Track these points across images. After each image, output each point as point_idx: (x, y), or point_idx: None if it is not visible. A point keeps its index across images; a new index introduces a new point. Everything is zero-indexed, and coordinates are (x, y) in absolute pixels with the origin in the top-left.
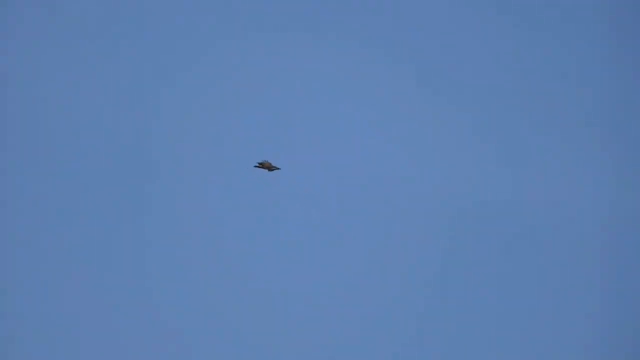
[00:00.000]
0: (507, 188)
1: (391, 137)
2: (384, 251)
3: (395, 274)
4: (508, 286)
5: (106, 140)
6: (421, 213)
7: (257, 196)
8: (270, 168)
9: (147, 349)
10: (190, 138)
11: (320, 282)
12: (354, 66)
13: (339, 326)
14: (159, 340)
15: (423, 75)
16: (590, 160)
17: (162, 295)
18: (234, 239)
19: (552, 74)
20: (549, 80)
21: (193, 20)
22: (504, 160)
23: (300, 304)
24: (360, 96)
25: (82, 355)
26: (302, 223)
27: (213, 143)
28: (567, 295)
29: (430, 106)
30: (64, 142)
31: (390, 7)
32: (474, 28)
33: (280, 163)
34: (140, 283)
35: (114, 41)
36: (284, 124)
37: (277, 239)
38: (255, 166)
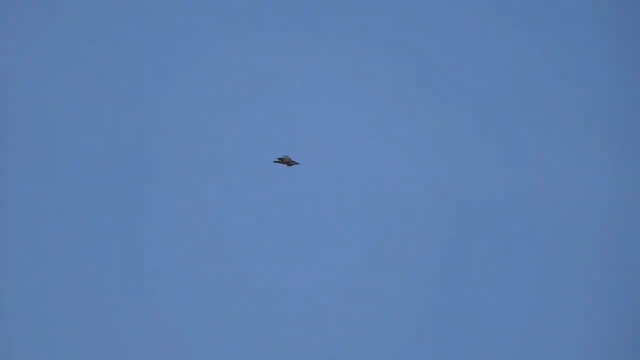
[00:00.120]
0: (506, 186)
1: (390, 135)
2: (383, 249)
3: (395, 271)
4: (508, 284)
5: (106, 140)
6: (421, 211)
7: (257, 195)
8: (290, 163)
9: (148, 348)
10: (189, 138)
11: (320, 280)
12: (353, 66)
13: (339, 323)
14: (159, 339)
15: (422, 74)
16: (589, 158)
17: (163, 295)
18: (234, 239)
19: (551, 73)
20: (547, 79)
21: (193, 20)
22: (503, 158)
23: (301, 301)
24: (360, 95)
25: (83, 355)
26: (302, 221)
27: (213, 143)
28: (566, 292)
29: (429, 105)
30: (63, 143)
31: (390, 7)
32: (472, 26)
33: (278, 165)
34: (141, 283)
35: (115, 41)
36: (284, 123)
37: (277, 238)
38: (275, 162)
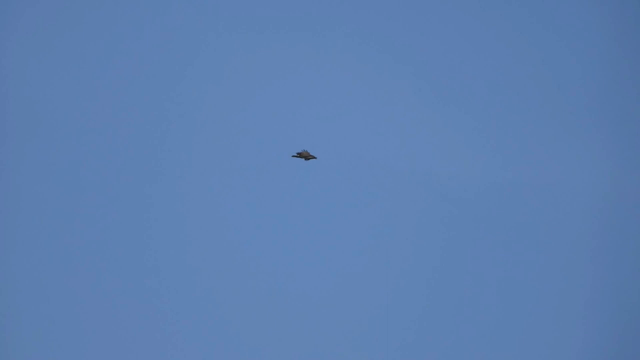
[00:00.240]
0: (504, 181)
1: (387, 131)
2: (381, 244)
3: (394, 268)
4: (506, 278)
5: (106, 140)
6: (419, 206)
7: (256, 195)
8: (307, 157)
9: (148, 348)
10: (189, 138)
11: (320, 278)
12: (352, 64)
13: (340, 321)
14: (159, 339)
15: (420, 72)
16: (586, 151)
17: (166, 295)
18: (233, 239)
19: (548, 67)
20: (544, 74)
21: (194, 20)
22: (501, 153)
23: (301, 300)
24: (358, 91)
25: (83, 355)
26: (301, 220)
27: (213, 142)
28: (564, 287)
29: (427, 102)
30: (64, 143)
31: (389, 6)
32: (470, 24)
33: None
34: (145, 283)
35: (116, 41)
36: (284, 123)
37: (277, 237)
38: (294, 156)
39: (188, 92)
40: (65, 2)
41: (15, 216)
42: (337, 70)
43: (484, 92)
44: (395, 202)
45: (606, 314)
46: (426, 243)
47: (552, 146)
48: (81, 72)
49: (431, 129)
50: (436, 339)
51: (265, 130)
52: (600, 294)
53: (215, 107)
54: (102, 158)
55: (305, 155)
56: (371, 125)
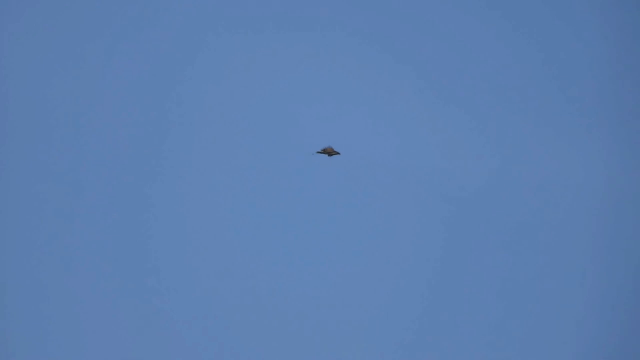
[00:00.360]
0: (503, 179)
1: (387, 130)
2: (380, 242)
3: (394, 264)
4: (505, 274)
5: (106, 140)
6: (419, 204)
7: (254, 195)
8: (331, 153)
9: (148, 348)
10: (189, 138)
11: (321, 276)
12: (351, 63)
13: (341, 319)
14: (160, 339)
15: (419, 71)
16: (582, 148)
17: (167, 295)
18: (233, 239)
19: (545, 62)
20: (538, 68)
21: (194, 21)
22: (499, 152)
23: (302, 299)
24: (357, 91)
25: (84, 355)
26: (302, 218)
27: (212, 143)
28: (562, 282)
29: (426, 100)
30: (64, 143)
31: (388, 6)
32: (466, 20)
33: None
34: (148, 283)
35: (116, 42)
36: (284, 123)
37: (277, 237)
38: (318, 152)
39: (188, 92)
40: (65, 2)
41: (16, 216)
42: (337, 70)
43: (485, 92)
44: (396, 201)
45: (606, 313)
46: (427, 241)
47: (552, 144)
48: (81, 72)
49: (432, 127)
50: (437, 337)
51: (265, 130)
52: (600, 293)
53: (216, 107)
54: (101, 158)
55: (329, 151)
56: (371, 125)
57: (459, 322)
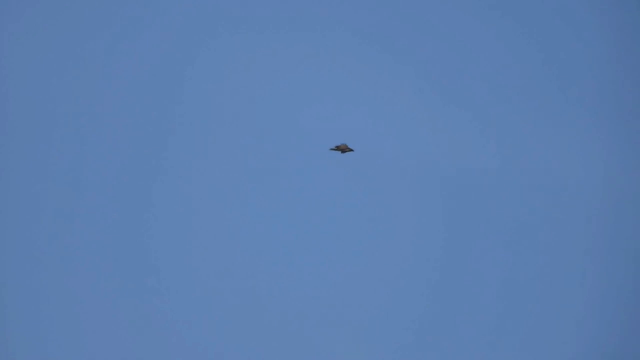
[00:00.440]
0: (503, 172)
1: (386, 127)
2: (380, 237)
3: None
4: (508, 274)
5: (106, 140)
6: (418, 200)
7: (255, 194)
8: (344, 150)
9: (149, 348)
10: (189, 138)
11: (320, 277)
12: (348, 61)
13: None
14: (160, 339)
15: (417, 68)
16: (581, 142)
17: (164, 295)
18: (234, 239)
19: (541, 62)
20: (538, 68)
21: (195, 21)
22: (499, 146)
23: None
24: (354, 89)
25: (84, 355)
26: (301, 217)
27: (212, 143)
28: (565, 282)
29: (424, 97)
30: (64, 143)
31: (388, 6)
32: (465, 19)
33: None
34: (150, 283)
35: (116, 42)
36: (284, 123)
37: (277, 237)
38: (332, 149)
39: (188, 92)
40: (65, 2)
41: (16, 216)
42: (337, 70)
43: (485, 92)
44: (396, 200)
45: (606, 313)
46: (427, 240)
47: (552, 144)
48: (81, 72)
49: (432, 127)
50: (437, 336)
51: (265, 130)
52: (600, 293)
53: (215, 107)
54: (101, 158)
55: (342, 148)
56: (372, 124)
57: (459, 322)
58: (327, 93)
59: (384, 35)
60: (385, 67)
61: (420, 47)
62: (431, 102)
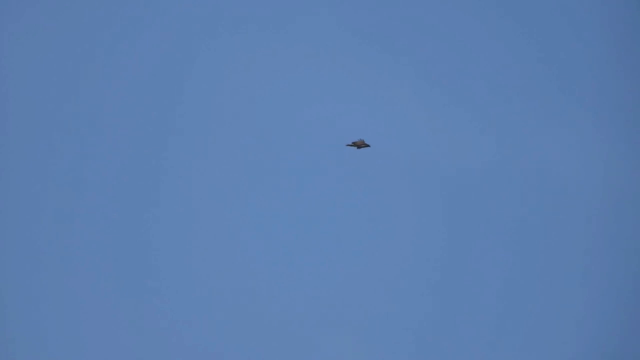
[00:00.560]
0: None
1: (387, 126)
2: (380, 237)
3: (393, 261)
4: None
5: (107, 140)
6: (418, 200)
7: (255, 193)
8: (360, 146)
9: (149, 348)
10: (188, 138)
11: (320, 276)
12: (348, 61)
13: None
14: (160, 339)
15: (417, 67)
16: (579, 129)
17: (164, 295)
18: (234, 239)
19: (542, 61)
20: (538, 67)
21: (195, 21)
22: (499, 143)
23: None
24: (354, 88)
25: (84, 355)
26: (301, 218)
27: (212, 142)
28: (565, 280)
29: (424, 97)
30: (65, 143)
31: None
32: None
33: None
34: (143, 283)
35: (118, 42)
36: (284, 123)
37: (276, 232)
38: (348, 145)
39: (188, 92)
40: (65, 2)
41: (16, 216)
42: (337, 70)
43: (486, 91)
44: (396, 200)
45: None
46: (427, 239)
47: (553, 143)
48: (81, 72)
49: (433, 126)
50: (437, 336)
51: (265, 130)
52: (600, 293)
53: (215, 107)
54: (101, 158)
55: (359, 144)
56: (372, 123)
57: (459, 322)
58: (327, 93)
59: (384, 35)
60: (385, 67)
61: (420, 47)
62: (431, 101)
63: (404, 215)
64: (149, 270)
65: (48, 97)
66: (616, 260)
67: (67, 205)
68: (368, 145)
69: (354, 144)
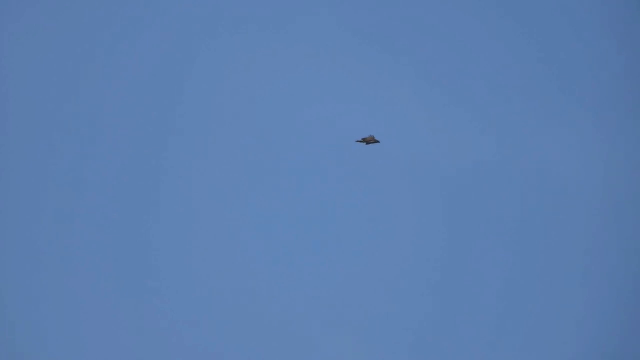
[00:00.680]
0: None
1: (387, 126)
2: (380, 236)
3: (393, 261)
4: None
5: (107, 140)
6: (418, 199)
7: (254, 193)
8: (369, 142)
9: (149, 348)
10: (188, 138)
11: (319, 276)
12: (348, 61)
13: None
14: (160, 339)
15: (417, 67)
16: (579, 129)
17: (164, 295)
18: (234, 239)
19: (542, 61)
20: (539, 67)
21: (195, 21)
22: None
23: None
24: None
25: (84, 355)
26: (301, 218)
27: (213, 142)
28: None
29: (424, 97)
30: (65, 143)
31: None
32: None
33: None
34: (143, 283)
35: (118, 42)
36: (284, 123)
37: (276, 233)
38: (358, 141)
39: (188, 92)
40: (65, 2)
41: (16, 216)
42: (337, 70)
43: (486, 91)
44: (396, 199)
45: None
46: (427, 239)
47: (553, 143)
48: (81, 72)
49: (433, 126)
50: (437, 336)
51: (265, 130)
52: (600, 293)
53: (215, 107)
54: (102, 158)
55: (368, 140)
56: (372, 123)
57: (459, 322)
58: (327, 93)
59: (384, 35)
60: (385, 67)
61: (420, 47)
62: (431, 101)
63: (404, 215)
64: (149, 270)
65: (48, 97)
66: (616, 260)
67: (67, 205)
68: (377, 141)
69: (364, 140)
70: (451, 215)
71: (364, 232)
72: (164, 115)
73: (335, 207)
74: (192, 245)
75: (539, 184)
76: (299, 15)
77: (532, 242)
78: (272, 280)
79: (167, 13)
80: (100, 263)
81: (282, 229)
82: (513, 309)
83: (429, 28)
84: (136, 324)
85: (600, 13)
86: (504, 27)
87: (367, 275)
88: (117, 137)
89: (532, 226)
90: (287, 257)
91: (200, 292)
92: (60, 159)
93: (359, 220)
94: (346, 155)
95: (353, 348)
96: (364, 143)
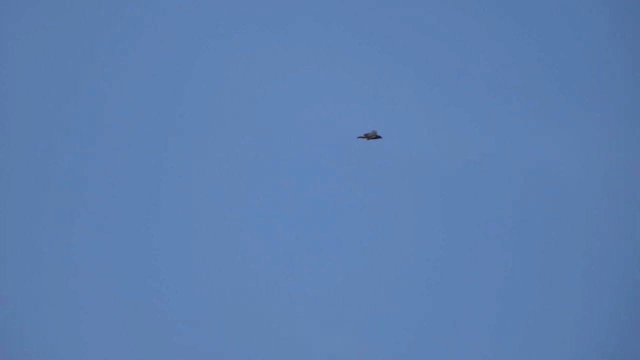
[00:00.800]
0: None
1: (387, 126)
2: (380, 236)
3: (393, 261)
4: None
5: (107, 140)
6: (418, 199)
7: (254, 193)
8: (371, 137)
9: (149, 348)
10: (188, 139)
11: (319, 276)
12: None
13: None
14: (160, 339)
15: (417, 67)
16: (579, 129)
17: (164, 295)
18: (234, 239)
19: (541, 61)
20: (539, 67)
21: (195, 21)
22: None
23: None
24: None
25: (84, 355)
26: (301, 218)
27: (213, 142)
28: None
29: (424, 97)
30: (65, 143)
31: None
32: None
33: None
34: (143, 283)
35: (118, 42)
36: (284, 123)
37: (276, 233)
38: (360, 137)
39: (188, 92)
40: (65, 2)
41: (16, 216)
42: (337, 70)
43: (486, 91)
44: (396, 199)
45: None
46: (427, 238)
47: (553, 143)
48: (81, 72)
49: (432, 126)
50: (437, 336)
51: (264, 130)
52: (600, 293)
53: (215, 107)
54: (102, 158)
55: (370, 136)
56: (372, 123)
57: (459, 322)
58: (327, 93)
59: (384, 35)
60: (385, 67)
61: (420, 47)
62: (431, 101)
63: (404, 215)
64: (149, 270)
65: (48, 97)
66: (616, 260)
67: (67, 205)
68: (380, 137)
69: (365, 136)
70: (451, 215)
71: (364, 232)
72: (164, 115)
73: (335, 207)
74: (192, 245)
75: (539, 184)
76: (299, 15)
77: (532, 241)
78: (272, 280)
79: (167, 13)
80: (101, 263)
81: (282, 229)
82: (513, 309)
83: (429, 28)
84: (136, 324)
85: (600, 13)
86: (504, 27)
87: (367, 275)
88: (117, 137)
89: (532, 226)
90: (287, 257)
91: (200, 292)
92: (60, 159)
93: (358, 220)
94: (346, 155)
95: (353, 348)
96: (366, 139)
